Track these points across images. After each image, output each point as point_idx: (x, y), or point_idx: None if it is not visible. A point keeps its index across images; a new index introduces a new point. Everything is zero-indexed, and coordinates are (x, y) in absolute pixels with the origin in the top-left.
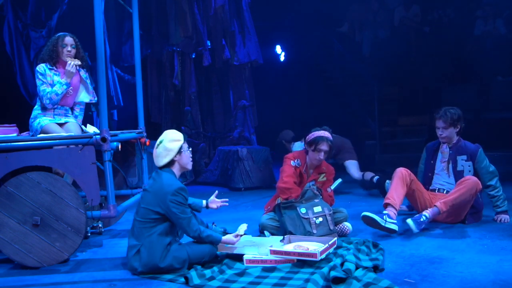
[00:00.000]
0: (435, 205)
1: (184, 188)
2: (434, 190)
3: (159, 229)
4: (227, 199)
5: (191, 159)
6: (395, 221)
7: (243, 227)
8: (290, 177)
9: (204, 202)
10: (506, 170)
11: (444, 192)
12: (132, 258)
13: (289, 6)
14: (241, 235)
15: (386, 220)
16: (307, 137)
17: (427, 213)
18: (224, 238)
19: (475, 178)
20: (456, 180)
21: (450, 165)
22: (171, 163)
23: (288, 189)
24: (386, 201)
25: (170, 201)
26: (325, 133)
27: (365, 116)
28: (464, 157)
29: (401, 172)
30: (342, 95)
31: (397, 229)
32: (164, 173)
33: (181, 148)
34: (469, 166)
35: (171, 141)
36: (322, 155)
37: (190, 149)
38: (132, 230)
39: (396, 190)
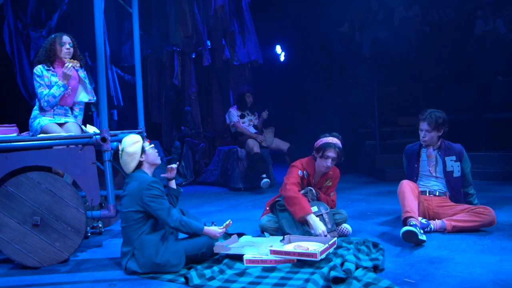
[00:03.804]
0: (443, 221)
1: (157, 180)
2: (424, 193)
3: (146, 229)
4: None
5: (157, 154)
6: (423, 231)
7: (228, 222)
8: (294, 186)
9: (172, 183)
10: (506, 170)
11: (437, 194)
12: (129, 263)
13: (289, 6)
14: (225, 229)
15: (420, 232)
16: (316, 143)
17: (433, 225)
18: (207, 228)
19: (494, 215)
20: (445, 180)
21: (439, 168)
22: (139, 165)
23: (294, 197)
24: (407, 214)
25: (146, 196)
26: (334, 140)
27: (365, 116)
28: (453, 157)
29: (409, 185)
30: (342, 95)
31: (426, 240)
32: (135, 174)
33: (143, 148)
34: (458, 166)
35: (131, 145)
36: (329, 162)
37: (153, 145)
38: (123, 238)
39: (412, 202)
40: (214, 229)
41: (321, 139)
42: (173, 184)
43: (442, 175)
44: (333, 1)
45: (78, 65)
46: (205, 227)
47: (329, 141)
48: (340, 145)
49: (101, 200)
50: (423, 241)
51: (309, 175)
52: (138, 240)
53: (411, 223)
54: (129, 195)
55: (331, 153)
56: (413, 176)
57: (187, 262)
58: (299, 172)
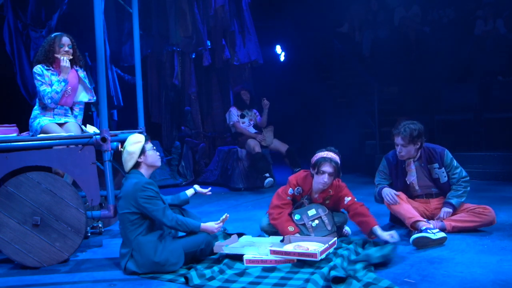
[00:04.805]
0: (443, 221)
1: (151, 182)
2: (421, 196)
3: (142, 230)
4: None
5: (158, 157)
6: (438, 230)
7: (224, 216)
8: (276, 209)
9: (189, 192)
10: (506, 170)
11: (434, 196)
12: (128, 264)
13: (289, 6)
14: (222, 223)
15: (433, 233)
16: (311, 159)
17: (433, 225)
18: (204, 225)
19: (493, 214)
20: (435, 185)
21: (424, 176)
22: (136, 165)
23: (274, 224)
24: (412, 220)
25: (141, 197)
26: (329, 154)
27: (365, 116)
28: (436, 165)
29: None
30: (342, 95)
31: (446, 236)
32: (131, 175)
33: (143, 149)
34: (443, 173)
35: (132, 144)
36: (326, 178)
37: (155, 148)
38: (122, 239)
39: (409, 208)
40: (211, 225)
41: (316, 154)
42: (190, 193)
43: (432, 183)
44: (333, 1)
45: (71, 57)
46: (202, 224)
47: (324, 156)
48: (337, 160)
49: (101, 200)
50: (443, 238)
51: (303, 192)
52: (135, 241)
53: (422, 228)
54: (124, 197)
55: (327, 168)
56: (405, 187)
57: (186, 260)
58: (290, 190)
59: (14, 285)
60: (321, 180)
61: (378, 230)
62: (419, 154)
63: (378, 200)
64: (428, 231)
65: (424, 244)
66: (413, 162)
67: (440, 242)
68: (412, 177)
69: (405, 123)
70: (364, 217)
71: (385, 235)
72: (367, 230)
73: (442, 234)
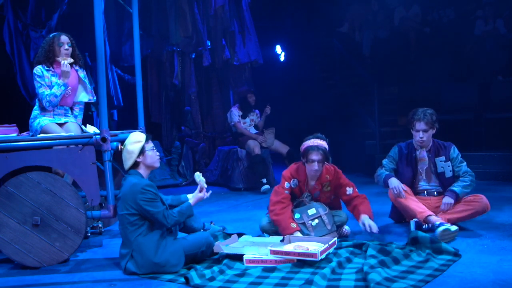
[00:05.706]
0: (438, 216)
1: (151, 184)
2: (422, 193)
3: (143, 231)
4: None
5: (157, 157)
6: (448, 224)
7: (198, 177)
8: (277, 205)
9: (190, 195)
10: (506, 170)
11: (435, 194)
12: (128, 264)
13: (289, 6)
14: (201, 184)
15: (447, 225)
16: (300, 148)
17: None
18: (192, 200)
19: (485, 201)
20: (439, 181)
21: (431, 170)
22: (135, 164)
23: (274, 220)
24: (422, 215)
25: (141, 200)
26: (315, 141)
27: (365, 116)
28: (443, 158)
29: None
30: (342, 95)
31: (458, 229)
32: (130, 176)
33: (142, 149)
34: (448, 166)
35: (132, 143)
36: (316, 166)
37: (155, 149)
38: (122, 240)
39: (417, 202)
40: (195, 196)
41: (304, 143)
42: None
43: (436, 178)
44: (333, 1)
45: (72, 60)
46: (191, 202)
47: (311, 144)
48: (324, 146)
49: (101, 200)
50: (457, 230)
51: (300, 182)
52: (135, 242)
53: (436, 223)
54: (123, 198)
55: (315, 156)
56: (410, 179)
57: (186, 262)
58: (286, 184)
59: (14, 285)
60: (312, 168)
61: (364, 218)
62: (431, 143)
63: (378, 182)
64: (444, 224)
65: (448, 236)
66: (425, 151)
67: (455, 234)
68: (425, 166)
69: (421, 109)
70: (360, 205)
71: (370, 223)
72: (358, 216)
73: (455, 227)
